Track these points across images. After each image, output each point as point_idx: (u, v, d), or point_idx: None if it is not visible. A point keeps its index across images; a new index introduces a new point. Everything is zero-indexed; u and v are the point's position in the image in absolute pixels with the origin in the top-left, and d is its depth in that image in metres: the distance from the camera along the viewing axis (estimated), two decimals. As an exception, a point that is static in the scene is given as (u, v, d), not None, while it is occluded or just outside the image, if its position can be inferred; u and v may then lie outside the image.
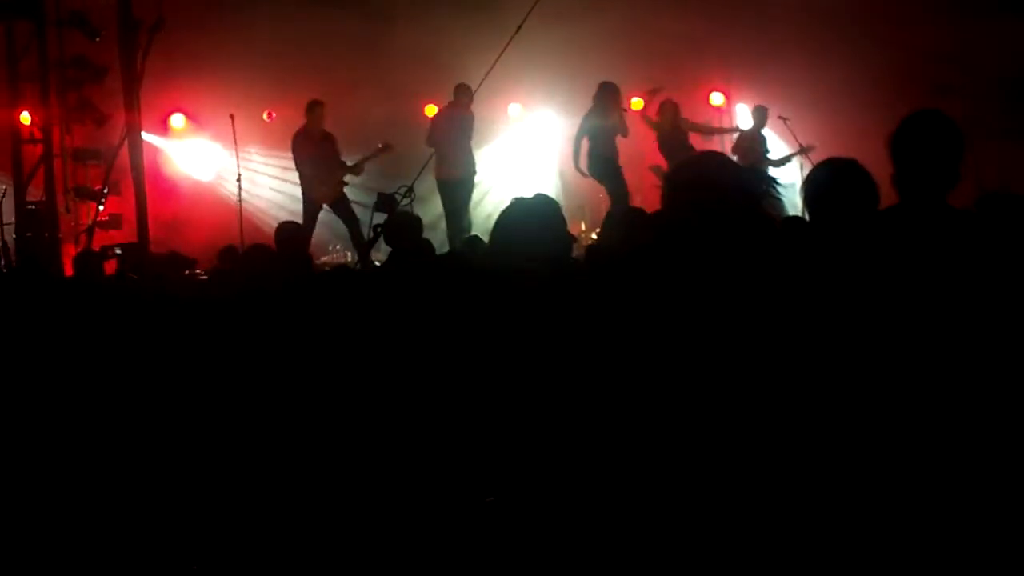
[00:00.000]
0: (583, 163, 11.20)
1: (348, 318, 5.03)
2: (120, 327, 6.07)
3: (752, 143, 12.31)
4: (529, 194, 4.07)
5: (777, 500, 3.19)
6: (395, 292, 5.12)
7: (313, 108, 11.06)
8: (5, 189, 11.43)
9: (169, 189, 13.17)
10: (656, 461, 3.30)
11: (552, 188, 13.39)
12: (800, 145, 12.34)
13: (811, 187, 3.86)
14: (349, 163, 11.08)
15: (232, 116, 11.87)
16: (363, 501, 4.15)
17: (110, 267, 9.99)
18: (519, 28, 9.77)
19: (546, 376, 3.55)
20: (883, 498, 3.10)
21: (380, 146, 11.05)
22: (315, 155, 10.95)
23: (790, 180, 12.12)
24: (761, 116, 12.60)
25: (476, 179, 11.60)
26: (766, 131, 12.69)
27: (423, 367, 4.17)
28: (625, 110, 11.64)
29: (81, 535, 4.36)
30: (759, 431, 3.24)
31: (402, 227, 6.41)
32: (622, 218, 6.53)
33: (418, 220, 6.71)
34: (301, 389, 4.73)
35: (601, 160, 11.10)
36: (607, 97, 11.17)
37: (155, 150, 13.35)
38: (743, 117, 14.45)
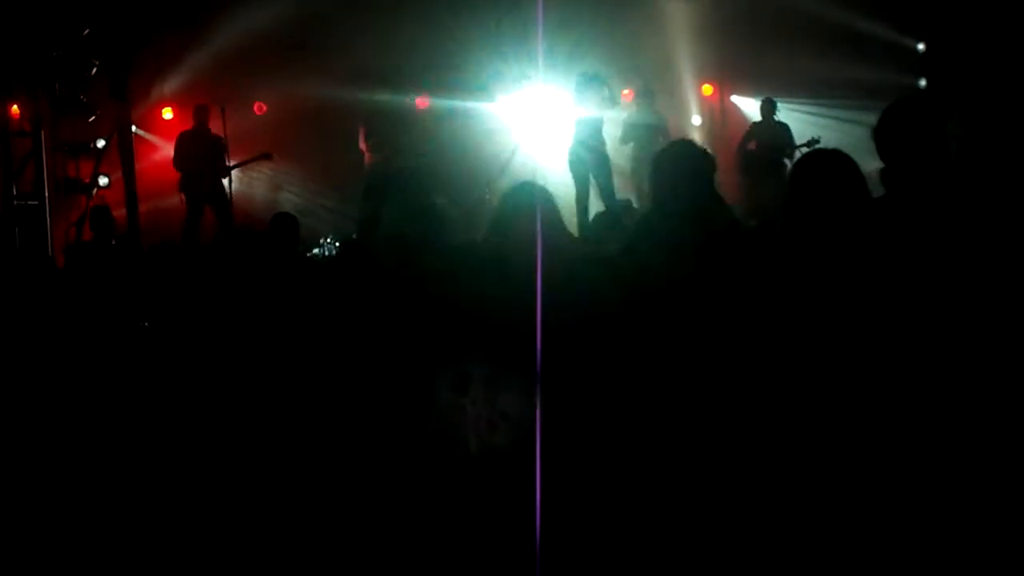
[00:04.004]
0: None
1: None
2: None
3: (761, 135, 12.40)
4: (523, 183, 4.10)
5: (773, 498, 3.21)
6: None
7: (199, 111, 11.64)
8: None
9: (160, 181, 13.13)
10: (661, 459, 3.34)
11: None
12: (810, 138, 12.39)
13: (798, 178, 3.85)
14: (233, 163, 11.73)
15: (223, 108, 11.84)
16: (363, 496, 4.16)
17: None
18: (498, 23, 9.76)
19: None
20: (880, 493, 3.12)
21: (263, 154, 11.94)
22: (193, 153, 11.44)
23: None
24: (768, 108, 12.68)
25: None
26: (785, 120, 12.76)
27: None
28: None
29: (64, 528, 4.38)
30: (754, 428, 3.27)
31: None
32: None
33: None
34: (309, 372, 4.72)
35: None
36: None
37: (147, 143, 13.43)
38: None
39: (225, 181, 11.72)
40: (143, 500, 4.39)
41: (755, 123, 12.96)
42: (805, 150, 11.79)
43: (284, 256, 6.79)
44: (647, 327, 3.48)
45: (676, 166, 3.97)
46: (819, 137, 12.11)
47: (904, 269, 3.20)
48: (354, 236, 11.15)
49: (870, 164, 3.73)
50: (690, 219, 3.75)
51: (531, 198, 4.02)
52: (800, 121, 13.12)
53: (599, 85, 10.85)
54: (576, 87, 10.87)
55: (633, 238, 4.19)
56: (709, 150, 4.32)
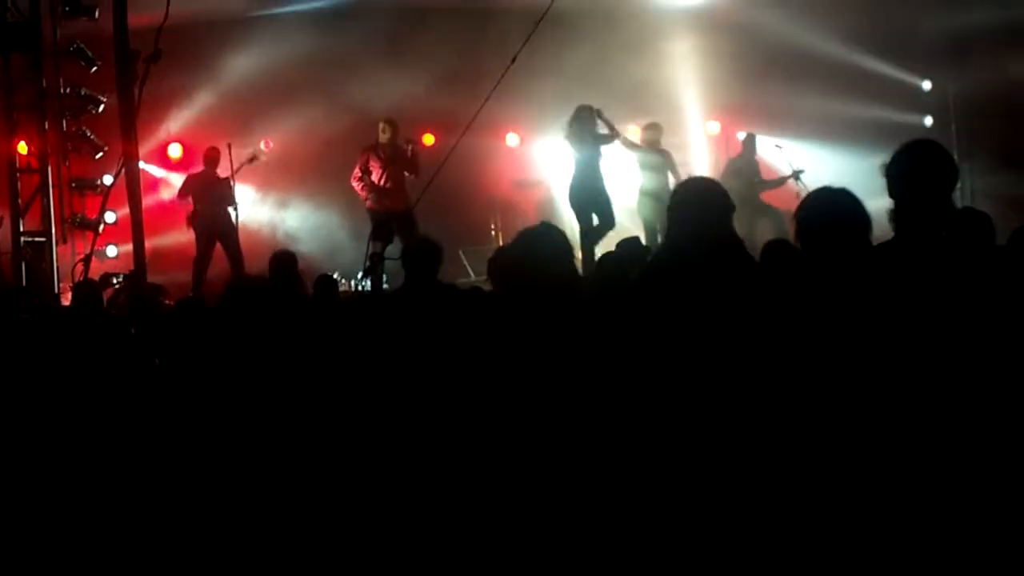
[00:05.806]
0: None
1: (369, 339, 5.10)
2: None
3: (740, 169, 12.36)
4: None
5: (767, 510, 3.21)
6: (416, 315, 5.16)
7: (209, 153, 11.90)
8: (1, 219, 11.41)
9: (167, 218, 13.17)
10: (662, 465, 3.33)
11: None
12: (792, 170, 12.41)
13: (804, 215, 3.82)
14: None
15: (229, 145, 11.89)
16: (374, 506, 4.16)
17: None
18: (514, 59, 9.80)
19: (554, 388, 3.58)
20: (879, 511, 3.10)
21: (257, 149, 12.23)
22: (204, 195, 11.69)
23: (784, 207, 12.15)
24: (750, 143, 12.69)
25: None
26: (758, 158, 12.78)
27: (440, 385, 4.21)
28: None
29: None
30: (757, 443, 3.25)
31: (424, 254, 6.12)
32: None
33: (439, 248, 6.35)
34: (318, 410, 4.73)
35: None
36: None
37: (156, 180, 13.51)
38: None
39: (233, 216, 11.77)
40: (160, 519, 4.39)
41: (730, 160, 13.00)
42: (793, 182, 11.89)
43: (284, 294, 6.83)
44: (662, 362, 3.47)
45: (694, 202, 3.94)
46: (803, 169, 12.15)
47: (914, 313, 3.19)
48: (360, 274, 11.16)
49: (874, 202, 3.73)
50: (708, 255, 3.73)
51: (547, 239, 4.02)
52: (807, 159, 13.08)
53: (592, 120, 10.83)
54: (569, 123, 10.85)
55: (647, 276, 4.18)
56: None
